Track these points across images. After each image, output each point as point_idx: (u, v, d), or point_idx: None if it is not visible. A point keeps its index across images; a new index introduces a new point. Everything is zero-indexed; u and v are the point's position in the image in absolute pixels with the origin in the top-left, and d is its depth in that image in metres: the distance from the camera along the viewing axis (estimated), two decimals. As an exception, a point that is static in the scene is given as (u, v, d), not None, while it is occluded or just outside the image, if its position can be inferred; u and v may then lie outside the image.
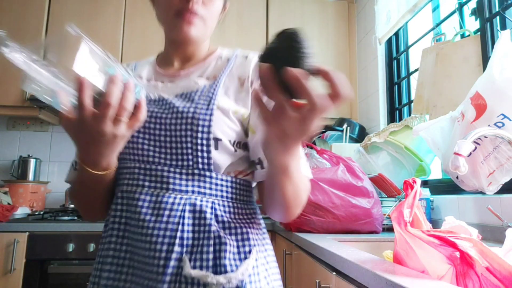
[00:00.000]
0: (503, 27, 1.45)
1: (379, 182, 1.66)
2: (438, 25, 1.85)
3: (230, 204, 0.68)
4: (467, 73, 1.53)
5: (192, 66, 0.76)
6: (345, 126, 2.17)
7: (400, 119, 2.18)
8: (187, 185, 0.64)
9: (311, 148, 1.66)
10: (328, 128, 2.26)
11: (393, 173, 1.74)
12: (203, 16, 0.70)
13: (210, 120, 0.65)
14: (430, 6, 1.99)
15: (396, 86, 2.26)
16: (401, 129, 1.78)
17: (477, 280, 0.79)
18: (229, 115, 0.67)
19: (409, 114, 2.09)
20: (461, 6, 1.69)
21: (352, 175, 1.48)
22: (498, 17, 1.48)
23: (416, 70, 1.90)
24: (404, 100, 2.20)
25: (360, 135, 2.26)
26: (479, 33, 1.55)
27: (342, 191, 1.42)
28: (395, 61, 2.30)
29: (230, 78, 0.72)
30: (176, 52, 0.77)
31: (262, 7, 2.52)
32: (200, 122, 0.64)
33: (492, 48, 1.34)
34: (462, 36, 1.66)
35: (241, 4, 2.49)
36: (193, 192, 0.64)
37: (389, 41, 2.33)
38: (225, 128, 0.66)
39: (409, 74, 2.17)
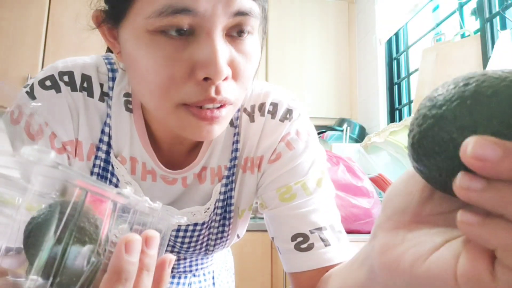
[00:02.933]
0: (503, 27, 1.45)
1: (379, 182, 1.66)
2: (438, 25, 1.85)
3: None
4: (467, 73, 1.53)
5: (192, 154, 0.53)
6: (345, 126, 2.17)
7: (400, 119, 2.18)
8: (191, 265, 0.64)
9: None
10: (328, 128, 2.27)
11: (393, 173, 1.74)
12: (236, 97, 0.42)
13: (228, 240, 0.58)
14: (430, 6, 1.99)
15: (396, 86, 2.26)
16: (401, 129, 1.78)
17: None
18: (248, 213, 0.59)
19: (409, 114, 2.09)
20: (461, 6, 1.69)
21: (352, 175, 1.48)
22: (498, 17, 1.48)
23: (416, 70, 1.90)
24: (404, 100, 2.20)
25: (360, 135, 2.26)
26: (479, 33, 1.55)
27: (342, 191, 1.42)
28: (395, 61, 2.30)
29: (239, 162, 0.54)
30: (169, 135, 0.52)
31: (262, 7, 2.52)
32: (216, 247, 0.59)
33: (492, 48, 1.34)
34: (462, 36, 1.66)
35: (241, 4, 2.49)
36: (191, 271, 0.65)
37: (389, 41, 2.33)
38: (245, 224, 0.62)
39: (409, 74, 2.17)
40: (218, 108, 0.41)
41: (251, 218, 0.68)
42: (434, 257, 0.22)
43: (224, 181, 0.53)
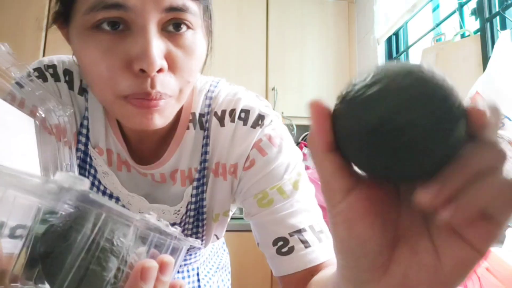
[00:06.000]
0: (503, 27, 1.45)
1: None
2: (438, 25, 1.85)
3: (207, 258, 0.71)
4: (467, 73, 1.53)
5: (159, 152, 0.53)
6: (345, 126, 2.17)
7: (400, 119, 2.17)
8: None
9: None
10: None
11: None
12: (175, 92, 0.44)
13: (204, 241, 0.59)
14: (430, 6, 1.99)
15: (396, 86, 2.26)
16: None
17: (477, 280, 0.79)
18: (224, 218, 0.59)
19: (409, 114, 2.09)
20: (461, 6, 1.69)
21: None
22: (498, 17, 1.48)
23: (416, 70, 1.90)
24: (404, 100, 2.20)
25: (360, 135, 2.26)
26: (479, 33, 1.55)
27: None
28: (395, 61, 2.29)
29: (210, 165, 0.54)
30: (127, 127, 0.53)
31: (262, 7, 2.52)
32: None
33: (492, 48, 1.34)
34: (462, 36, 1.66)
35: (241, 4, 2.49)
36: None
37: (389, 41, 2.33)
38: (223, 227, 0.61)
39: (409, 74, 2.16)
40: (157, 99, 0.42)
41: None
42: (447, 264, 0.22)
43: (195, 183, 0.54)
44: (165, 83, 0.42)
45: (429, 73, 0.20)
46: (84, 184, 0.25)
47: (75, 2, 0.41)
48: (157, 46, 0.40)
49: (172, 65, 0.42)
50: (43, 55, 2.19)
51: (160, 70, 0.41)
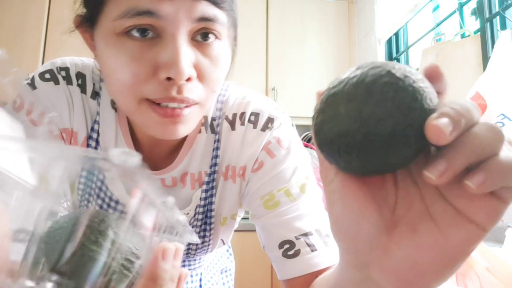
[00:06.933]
0: (503, 27, 1.45)
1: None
2: (438, 25, 1.85)
3: (212, 262, 0.71)
4: (467, 73, 1.53)
5: (172, 156, 0.54)
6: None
7: (400, 119, 2.17)
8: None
9: (311, 148, 1.66)
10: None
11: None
12: (201, 98, 0.43)
13: (210, 246, 0.59)
14: (430, 6, 1.99)
15: (396, 86, 2.26)
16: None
17: (477, 280, 0.79)
18: (231, 221, 0.59)
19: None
20: (461, 6, 1.69)
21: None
22: (498, 17, 1.48)
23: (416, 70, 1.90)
24: (404, 100, 2.20)
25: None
26: (479, 33, 1.55)
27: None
28: (395, 61, 2.30)
29: (220, 169, 0.54)
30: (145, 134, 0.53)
31: (262, 7, 2.52)
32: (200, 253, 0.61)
33: (492, 48, 1.34)
34: (462, 36, 1.66)
35: (240, 4, 2.49)
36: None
37: (389, 41, 2.33)
38: (229, 232, 0.61)
39: (409, 74, 2.17)
40: (182, 108, 0.42)
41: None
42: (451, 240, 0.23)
43: (204, 186, 0.54)
44: (192, 90, 0.42)
45: (400, 80, 0.22)
46: (134, 160, 0.24)
47: (104, 7, 0.41)
48: (187, 55, 0.40)
49: (200, 74, 0.42)
50: (43, 57, 2.19)
51: (188, 79, 0.41)
